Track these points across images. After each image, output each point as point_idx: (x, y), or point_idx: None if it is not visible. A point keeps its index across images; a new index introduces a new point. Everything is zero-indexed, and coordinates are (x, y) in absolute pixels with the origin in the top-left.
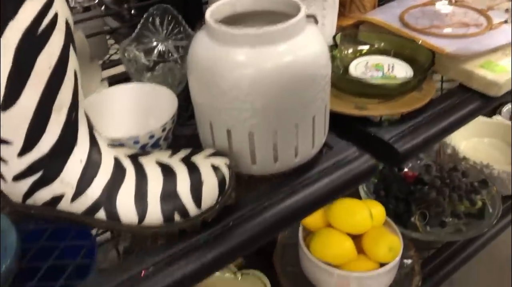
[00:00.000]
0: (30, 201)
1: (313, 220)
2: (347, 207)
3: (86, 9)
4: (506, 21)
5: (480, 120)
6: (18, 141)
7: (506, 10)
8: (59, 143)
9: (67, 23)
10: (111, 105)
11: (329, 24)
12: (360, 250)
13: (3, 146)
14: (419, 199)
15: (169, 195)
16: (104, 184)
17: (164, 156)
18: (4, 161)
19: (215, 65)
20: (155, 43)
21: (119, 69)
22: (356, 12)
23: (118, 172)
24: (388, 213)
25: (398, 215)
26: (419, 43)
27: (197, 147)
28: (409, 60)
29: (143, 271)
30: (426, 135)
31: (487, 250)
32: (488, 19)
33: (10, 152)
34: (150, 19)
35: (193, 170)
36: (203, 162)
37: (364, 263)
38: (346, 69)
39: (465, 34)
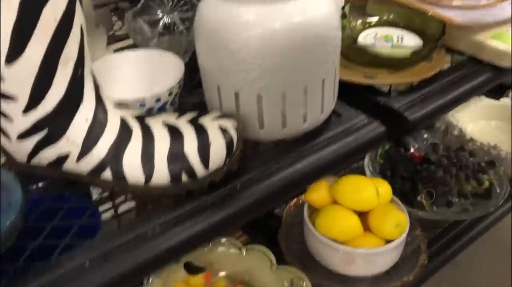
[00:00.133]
0: (35, 161)
1: (319, 197)
2: (353, 184)
3: None
4: None
5: (487, 102)
6: (23, 97)
7: None
8: (65, 100)
9: None
10: (116, 71)
11: None
12: (366, 227)
13: (8, 103)
14: (425, 178)
15: (176, 155)
16: (110, 144)
17: (171, 117)
18: (9, 118)
19: (222, 26)
20: (160, 15)
21: (122, 44)
22: None
23: (124, 132)
24: (394, 193)
25: (404, 194)
26: (429, 14)
27: None
28: (418, 32)
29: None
30: (436, 105)
31: (492, 232)
32: None
33: (15, 108)
34: None
35: (201, 131)
36: (210, 123)
37: (370, 240)
38: (355, 40)
39: (477, 5)
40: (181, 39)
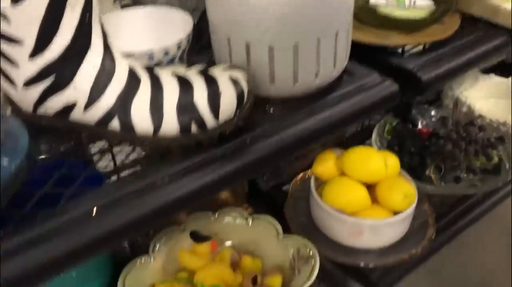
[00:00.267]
0: (41, 110)
1: (326, 169)
2: (361, 155)
3: None
4: None
5: (497, 80)
6: (30, 40)
7: None
8: (72, 45)
9: None
10: (124, 27)
11: None
12: (373, 200)
13: (14, 46)
14: (434, 153)
15: (186, 105)
16: (118, 93)
17: (180, 69)
18: (14, 63)
19: None
20: None
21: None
22: None
23: (133, 81)
24: (402, 167)
25: (412, 169)
26: None
27: None
28: None
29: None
30: (449, 66)
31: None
32: None
33: (21, 53)
34: None
35: (211, 82)
36: (221, 74)
37: (378, 211)
38: (367, 1)
39: None
40: None
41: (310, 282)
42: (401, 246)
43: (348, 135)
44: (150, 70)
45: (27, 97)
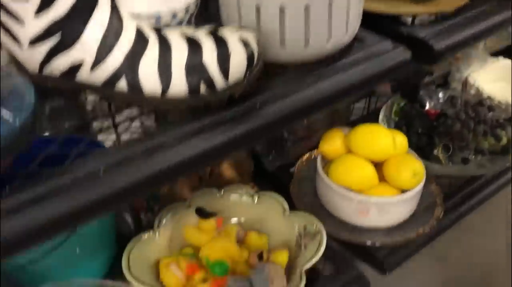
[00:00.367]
0: (47, 70)
1: (333, 148)
2: (369, 133)
3: None
4: None
5: (505, 63)
6: None
7: None
8: (79, 2)
9: None
10: None
11: None
12: (381, 179)
13: (19, 3)
14: (442, 133)
15: (195, 65)
16: (126, 52)
17: (189, 29)
18: (20, 21)
19: None
20: None
21: None
22: None
23: (141, 41)
24: (410, 147)
25: (420, 148)
26: None
27: None
28: None
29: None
30: (461, 36)
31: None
32: None
33: (27, 9)
34: None
35: (220, 42)
36: (231, 35)
37: (385, 190)
38: None
39: None
40: None
41: (317, 258)
42: (409, 225)
43: (353, 118)
44: (158, 30)
45: (33, 57)
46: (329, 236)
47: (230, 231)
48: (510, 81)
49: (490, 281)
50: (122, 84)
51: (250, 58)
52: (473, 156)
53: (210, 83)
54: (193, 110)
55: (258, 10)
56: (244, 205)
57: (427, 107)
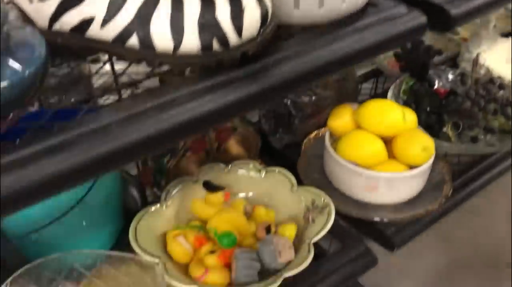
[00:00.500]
0: (56, 26)
1: (342, 124)
2: (379, 107)
3: None
4: None
5: None
6: None
7: None
8: None
9: None
10: None
11: None
12: (390, 155)
13: None
14: (452, 111)
15: (208, 21)
16: (137, 8)
17: None
18: None
19: None
20: None
21: None
22: None
23: None
24: (419, 125)
25: (429, 126)
26: None
27: None
28: None
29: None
30: (478, 2)
31: None
32: None
33: None
34: None
35: None
36: None
37: (394, 166)
38: None
39: None
40: None
41: (325, 230)
42: (417, 202)
43: (361, 98)
44: None
45: (43, 11)
46: (336, 213)
47: (238, 205)
48: None
49: (495, 263)
50: (133, 41)
51: (264, 15)
52: (482, 136)
53: (223, 39)
54: (206, 67)
55: None
56: (252, 180)
57: (436, 86)
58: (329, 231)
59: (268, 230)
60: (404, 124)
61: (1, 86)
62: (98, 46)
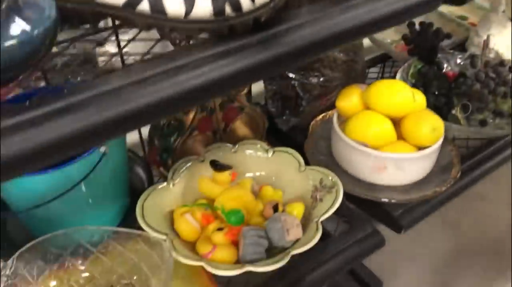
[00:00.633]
0: None
1: (350, 104)
2: (388, 87)
3: None
4: None
5: None
6: None
7: None
8: None
9: None
10: None
11: None
12: (399, 137)
13: None
14: (461, 94)
15: None
16: None
17: None
18: None
19: None
20: None
21: None
22: None
23: None
24: (427, 107)
25: (438, 108)
26: None
27: None
28: None
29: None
30: None
31: None
32: None
33: None
34: None
35: None
36: None
37: (402, 147)
38: None
39: None
40: None
41: (334, 209)
42: (425, 184)
43: (368, 83)
44: None
45: None
46: (344, 195)
47: (245, 185)
48: None
49: (501, 249)
50: (144, 5)
51: None
52: (491, 120)
53: (235, 4)
54: (218, 34)
55: None
56: (259, 160)
57: (445, 70)
58: (336, 213)
59: (275, 209)
60: (413, 104)
61: (10, 44)
62: (108, 11)
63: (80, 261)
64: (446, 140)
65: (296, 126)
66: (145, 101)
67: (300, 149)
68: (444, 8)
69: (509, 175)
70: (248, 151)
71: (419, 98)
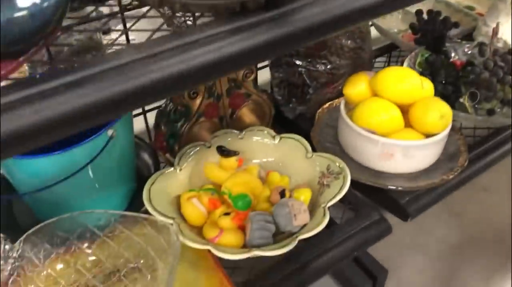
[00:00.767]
0: None
1: (358, 91)
2: (396, 74)
3: None
4: None
5: None
6: None
7: None
8: None
9: None
10: None
11: None
12: (407, 125)
13: None
14: (469, 82)
15: None
16: None
17: None
18: None
19: None
20: None
21: None
22: None
23: None
24: (435, 95)
25: (445, 97)
26: None
27: None
28: None
29: None
30: None
31: None
32: None
33: None
34: None
35: None
36: None
37: (410, 134)
38: None
39: None
40: None
41: (341, 194)
42: (432, 172)
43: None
44: None
45: None
46: (350, 182)
47: (252, 170)
48: None
49: (507, 239)
50: None
51: None
52: (499, 109)
53: None
54: (230, 10)
55: None
56: (266, 146)
57: (452, 59)
58: (342, 201)
59: (282, 194)
60: (421, 91)
61: (20, 15)
62: None
63: (86, 245)
64: (453, 130)
65: (303, 114)
66: (157, 76)
67: (306, 137)
68: None
69: (509, 166)
70: (255, 138)
71: (427, 85)
